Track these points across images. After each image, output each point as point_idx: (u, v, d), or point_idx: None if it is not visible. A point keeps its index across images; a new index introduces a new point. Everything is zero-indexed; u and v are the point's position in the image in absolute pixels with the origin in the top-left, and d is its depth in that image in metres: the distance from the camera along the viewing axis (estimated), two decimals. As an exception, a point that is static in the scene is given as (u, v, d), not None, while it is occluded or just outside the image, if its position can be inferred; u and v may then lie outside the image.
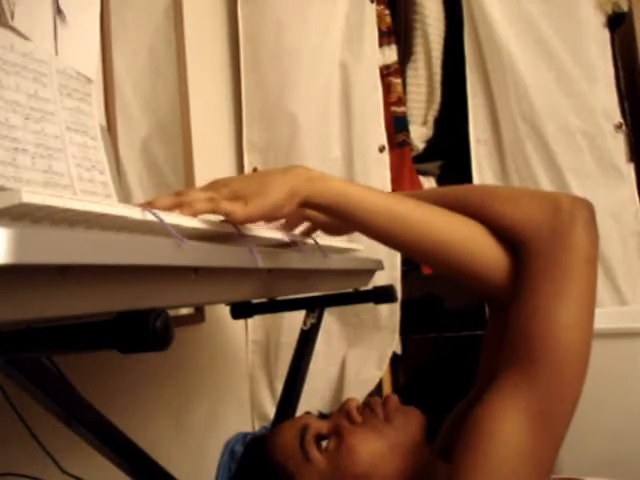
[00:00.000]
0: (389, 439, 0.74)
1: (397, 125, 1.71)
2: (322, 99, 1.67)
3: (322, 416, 0.82)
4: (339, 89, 1.68)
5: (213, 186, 0.67)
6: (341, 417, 0.77)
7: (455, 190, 0.80)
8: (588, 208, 0.70)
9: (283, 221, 0.83)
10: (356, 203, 0.70)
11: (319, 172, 0.71)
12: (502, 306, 0.74)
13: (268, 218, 0.67)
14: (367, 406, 0.78)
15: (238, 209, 0.63)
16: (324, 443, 0.74)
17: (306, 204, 0.70)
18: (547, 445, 0.63)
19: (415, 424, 0.76)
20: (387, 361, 1.66)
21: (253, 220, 0.65)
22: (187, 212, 0.60)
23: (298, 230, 0.88)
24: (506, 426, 0.62)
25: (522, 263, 0.70)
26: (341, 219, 0.74)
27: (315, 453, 0.73)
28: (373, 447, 0.73)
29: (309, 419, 0.78)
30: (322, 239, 0.89)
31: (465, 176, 1.67)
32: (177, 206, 0.60)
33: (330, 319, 1.66)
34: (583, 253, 0.67)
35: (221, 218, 0.64)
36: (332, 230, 0.89)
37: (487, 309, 0.83)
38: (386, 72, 1.70)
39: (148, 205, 0.57)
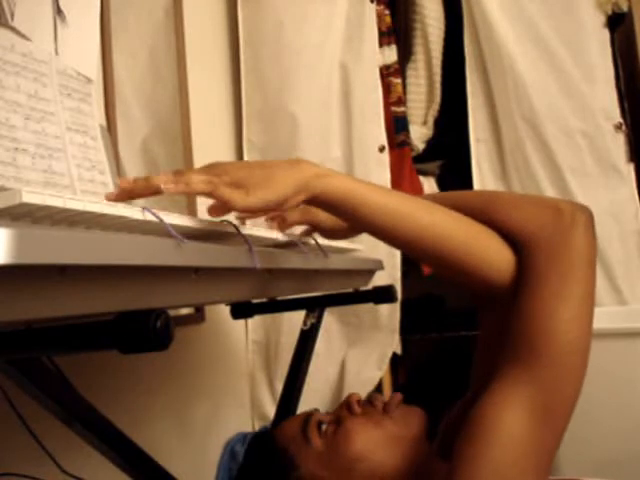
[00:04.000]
0: (386, 429, 0.79)
1: (397, 125, 1.71)
2: (322, 99, 1.67)
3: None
4: (339, 89, 1.68)
5: (212, 171, 0.63)
6: (342, 409, 0.83)
7: (458, 195, 0.81)
8: (587, 213, 0.72)
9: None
10: (361, 201, 0.69)
11: (325, 168, 0.69)
12: (493, 307, 0.75)
13: (267, 211, 0.67)
14: (368, 401, 0.84)
15: (238, 198, 0.60)
16: (324, 427, 0.80)
17: (312, 201, 0.68)
18: (548, 438, 0.64)
19: (415, 419, 0.81)
20: (387, 361, 1.67)
21: (252, 212, 0.64)
22: (183, 189, 0.57)
23: (298, 231, 0.88)
24: (508, 418, 0.63)
25: (524, 263, 0.71)
26: (345, 216, 0.73)
27: (315, 436, 0.79)
28: (369, 434, 0.79)
29: (314, 412, 0.85)
30: (322, 239, 0.90)
31: (465, 176, 1.67)
32: (173, 182, 0.58)
33: (330, 319, 1.66)
34: (584, 254, 0.69)
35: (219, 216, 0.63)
36: (329, 235, 0.89)
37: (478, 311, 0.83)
38: (386, 72, 1.70)
39: (145, 181, 0.57)
